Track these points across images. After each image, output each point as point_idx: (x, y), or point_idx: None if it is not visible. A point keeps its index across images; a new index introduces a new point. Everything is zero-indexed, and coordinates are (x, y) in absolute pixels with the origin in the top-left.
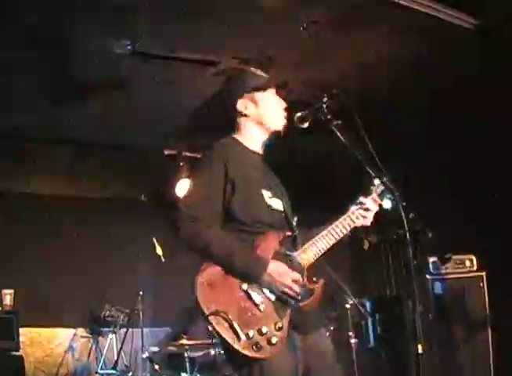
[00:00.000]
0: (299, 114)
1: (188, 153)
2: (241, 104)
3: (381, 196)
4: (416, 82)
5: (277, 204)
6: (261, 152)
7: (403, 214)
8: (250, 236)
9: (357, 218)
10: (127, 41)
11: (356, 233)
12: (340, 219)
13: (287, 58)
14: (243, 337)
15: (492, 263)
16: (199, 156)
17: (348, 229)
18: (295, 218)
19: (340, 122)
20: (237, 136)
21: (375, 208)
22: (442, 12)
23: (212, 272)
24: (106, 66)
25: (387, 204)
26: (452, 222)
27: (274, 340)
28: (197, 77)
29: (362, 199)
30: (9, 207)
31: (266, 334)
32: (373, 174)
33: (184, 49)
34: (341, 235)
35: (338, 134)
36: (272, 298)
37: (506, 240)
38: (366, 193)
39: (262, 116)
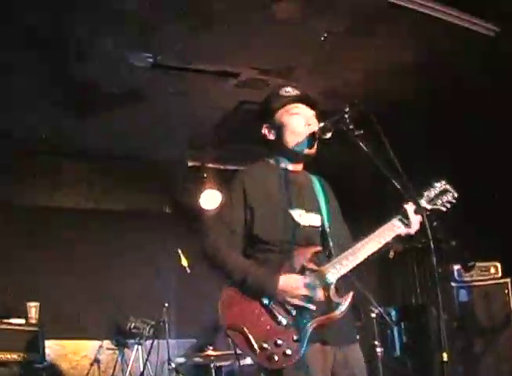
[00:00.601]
0: (321, 125)
1: (211, 165)
2: (265, 131)
3: (436, 199)
4: (433, 88)
5: (310, 220)
6: (296, 168)
7: (427, 222)
8: (275, 256)
9: (399, 227)
10: (148, 54)
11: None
12: (378, 231)
13: (305, 67)
14: (257, 349)
15: None
16: (222, 167)
17: (388, 239)
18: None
19: (362, 132)
20: (268, 158)
21: (418, 216)
22: (459, 18)
23: (233, 290)
24: (128, 80)
25: (444, 206)
26: (477, 229)
27: (289, 351)
28: (219, 88)
29: (405, 206)
30: (35, 221)
31: (281, 346)
32: (397, 186)
33: (204, 61)
34: (377, 247)
35: (361, 144)
36: (293, 312)
37: None
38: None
39: (284, 139)
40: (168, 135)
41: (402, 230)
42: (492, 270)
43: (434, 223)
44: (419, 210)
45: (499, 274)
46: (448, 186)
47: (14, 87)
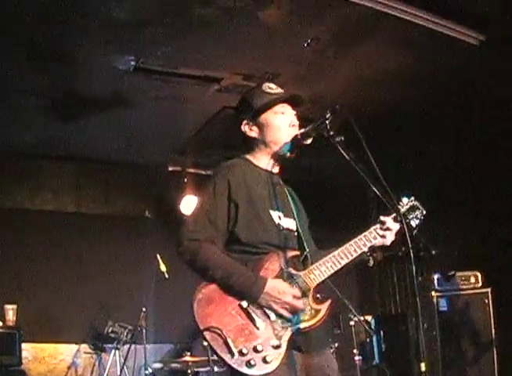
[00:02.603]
0: (301, 131)
1: (192, 170)
2: (246, 127)
3: (407, 214)
4: (420, 95)
5: (288, 223)
6: (274, 170)
7: (407, 231)
8: (255, 257)
9: (374, 237)
10: (130, 57)
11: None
12: (355, 239)
13: (290, 74)
14: (236, 353)
15: (498, 279)
16: (203, 172)
17: (364, 249)
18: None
19: (343, 138)
20: (248, 156)
21: (395, 227)
22: (442, 25)
23: (211, 288)
24: (110, 83)
25: (413, 223)
26: (458, 238)
27: (269, 358)
28: (201, 93)
29: (382, 218)
30: (13, 223)
31: (261, 351)
32: (377, 193)
33: (187, 66)
34: (355, 255)
35: (341, 150)
36: (273, 316)
37: None
38: (386, 212)
39: (267, 138)
40: (150, 139)
41: (377, 241)
42: (473, 280)
43: (415, 232)
44: (399, 218)
45: (480, 284)
46: (417, 203)
47: (19, 104)
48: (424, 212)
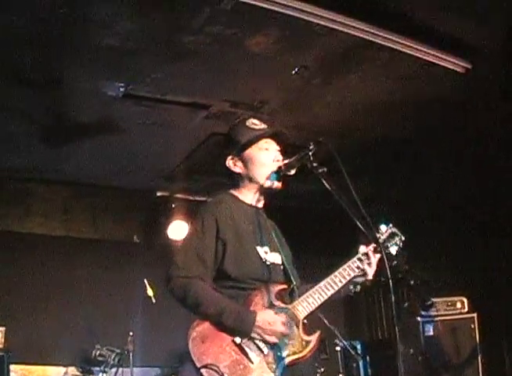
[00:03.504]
0: (285, 162)
1: (180, 195)
2: (230, 162)
3: (386, 242)
4: (407, 122)
5: (274, 258)
6: (259, 205)
7: (386, 263)
8: (243, 293)
9: (358, 267)
10: (120, 83)
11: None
12: (339, 269)
13: (278, 101)
14: None
15: (484, 305)
16: (191, 198)
17: (348, 278)
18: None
19: (325, 169)
20: (233, 191)
21: (375, 260)
22: (433, 55)
23: (204, 326)
24: (99, 109)
25: (393, 249)
26: (444, 264)
27: None
28: (189, 119)
29: (362, 249)
30: (5, 246)
31: None
32: (358, 223)
33: (175, 93)
34: (340, 285)
35: (324, 181)
36: (265, 350)
37: (499, 283)
38: (364, 241)
39: (251, 173)
40: (138, 164)
41: (358, 276)
42: (459, 305)
43: (394, 262)
44: (378, 248)
45: (466, 309)
46: (395, 229)
47: (7, 129)
48: (403, 238)
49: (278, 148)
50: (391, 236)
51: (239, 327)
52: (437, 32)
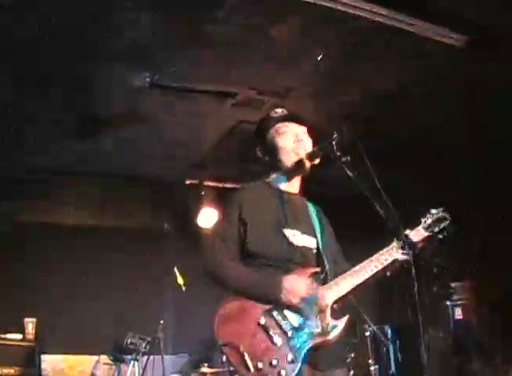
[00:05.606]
0: (308, 152)
1: (209, 183)
2: (259, 153)
3: (432, 226)
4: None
5: (305, 241)
6: (293, 190)
7: (409, 250)
8: (275, 271)
9: (396, 252)
10: (146, 73)
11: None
12: (377, 254)
13: (302, 89)
14: (252, 368)
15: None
16: (220, 185)
17: (385, 263)
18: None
19: (349, 158)
20: (266, 178)
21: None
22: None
23: (231, 306)
24: (127, 100)
25: (439, 234)
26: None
27: (283, 372)
28: (217, 108)
29: (407, 232)
30: (33, 237)
31: (276, 366)
32: (381, 213)
33: (202, 82)
34: (375, 270)
35: (347, 170)
36: (289, 332)
37: None
38: (409, 227)
39: (277, 159)
40: (167, 153)
41: (399, 256)
42: None
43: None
44: (400, 239)
45: None
46: (445, 214)
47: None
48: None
49: (302, 129)
50: (439, 220)
51: (267, 296)
52: None
